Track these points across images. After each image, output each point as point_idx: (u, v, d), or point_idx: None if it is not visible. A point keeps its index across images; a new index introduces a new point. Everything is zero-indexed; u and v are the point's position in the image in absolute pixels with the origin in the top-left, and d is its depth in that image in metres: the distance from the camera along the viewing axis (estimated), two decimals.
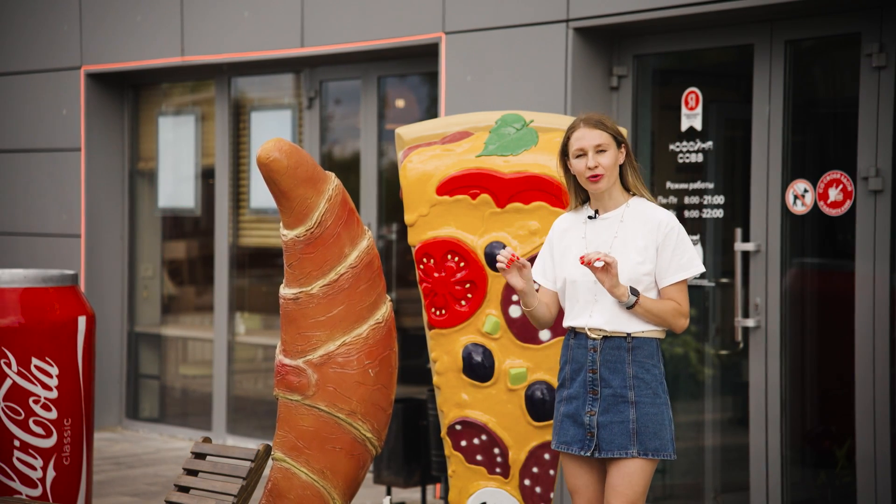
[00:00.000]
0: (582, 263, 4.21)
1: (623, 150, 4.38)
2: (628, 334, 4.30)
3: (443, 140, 5.16)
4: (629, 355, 4.30)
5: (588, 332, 4.33)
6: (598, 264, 4.19)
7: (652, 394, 4.30)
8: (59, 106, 9.24)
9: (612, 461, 4.31)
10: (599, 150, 4.33)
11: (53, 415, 5.70)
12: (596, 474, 4.38)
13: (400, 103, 8.25)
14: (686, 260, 4.33)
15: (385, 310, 4.98)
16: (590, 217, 4.43)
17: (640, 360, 4.30)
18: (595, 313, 4.32)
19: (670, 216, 4.37)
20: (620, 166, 4.40)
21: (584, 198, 4.46)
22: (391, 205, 8.00)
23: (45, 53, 9.31)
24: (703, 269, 4.36)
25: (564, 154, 4.42)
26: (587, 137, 4.34)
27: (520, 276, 4.32)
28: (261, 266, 8.87)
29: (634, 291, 4.27)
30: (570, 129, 4.40)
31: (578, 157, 4.36)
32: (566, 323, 4.42)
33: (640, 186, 4.44)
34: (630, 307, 4.27)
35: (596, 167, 4.32)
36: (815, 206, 6.02)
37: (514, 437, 5.09)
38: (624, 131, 5.08)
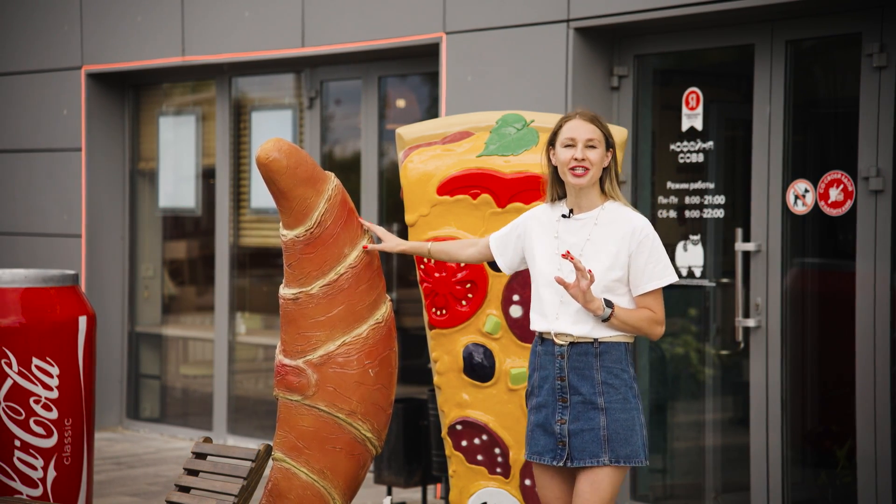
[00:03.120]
0: (564, 257, 4.17)
1: (610, 154, 4.31)
2: (595, 339, 4.22)
3: (443, 140, 5.16)
4: (597, 360, 4.22)
5: (555, 339, 4.26)
6: (570, 279, 4.16)
7: (622, 399, 4.22)
8: (60, 106, 9.24)
9: (582, 470, 4.23)
10: (589, 144, 4.26)
11: (54, 415, 5.70)
12: (568, 484, 4.32)
13: (400, 103, 8.25)
14: (660, 268, 4.25)
15: (385, 310, 4.98)
16: (563, 216, 4.34)
17: (608, 365, 4.23)
18: (561, 315, 4.25)
19: (646, 223, 4.28)
20: (603, 169, 4.32)
21: (560, 194, 4.39)
22: (392, 205, 8.00)
23: (45, 53, 9.31)
24: (676, 279, 4.29)
25: (552, 144, 4.34)
26: (581, 129, 4.27)
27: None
28: (261, 266, 8.87)
29: (609, 304, 4.20)
30: (564, 119, 4.33)
31: (567, 146, 4.28)
32: (533, 326, 4.35)
33: (617, 194, 4.33)
34: (605, 320, 4.20)
35: (583, 160, 4.24)
36: (816, 206, 6.02)
37: (515, 437, 5.09)
38: (624, 132, 5.10)
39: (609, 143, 4.31)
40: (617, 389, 4.22)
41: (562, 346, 4.24)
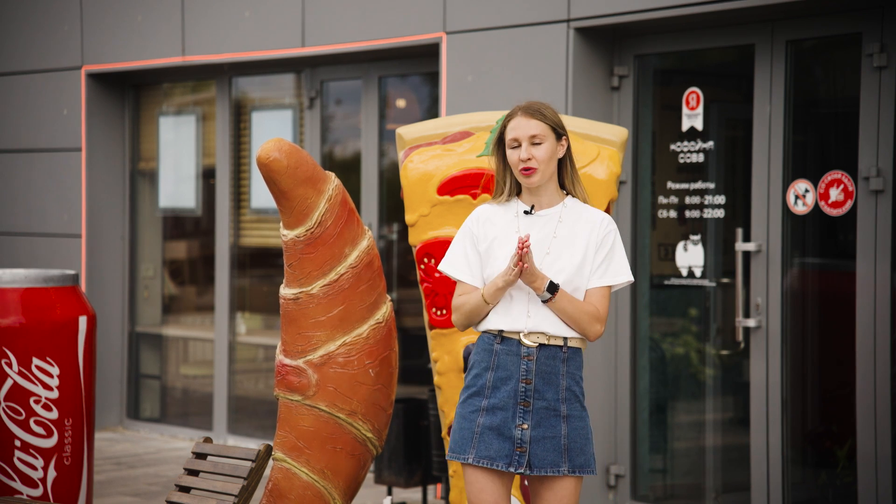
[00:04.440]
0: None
1: (564, 143, 4.13)
2: (565, 340, 4.06)
3: (444, 140, 5.16)
4: (564, 366, 4.06)
5: (522, 339, 4.07)
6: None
7: (580, 407, 4.08)
8: (60, 106, 9.24)
9: (543, 479, 4.09)
10: (534, 141, 4.07)
11: (54, 415, 5.70)
12: (506, 489, 4.11)
13: (401, 103, 8.25)
14: (615, 266, 4.11)
15: (385, 310, 4.98)
16: (526, 212, 4.15)
17: (572, 371, 4.07)
18: (532, 312, 4.07)
19: (610, 219, 4.16)
20: (560, 161, 4.15)
21: (517, 191, 4.19)
22: (392, 205, 8.00)
23: (45, 53, 9.31)
24: (631, 280, 4.14)
25: (501, 144, 4.16)
26: (522, 127, 4.09)
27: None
28: (261, 266, 8.87)
29: (553, 287, 4.00)
30: (508, 117, 4.15)
31: (513, 147, 4.10)
32: (493, 325, 4.11)
33: (577, 186, 4.18)
34: (545, 301, 4.01)
35: (529, 160, 4.07)
36: (816, 205, 6.02)
37: None
38: (625, 132, 5.09)
39: (559, 133, 4.12)
40: (577, 397, 4.08)
41: (530, 347, 4.06)
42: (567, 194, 4.18)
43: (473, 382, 4.12)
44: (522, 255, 3.95)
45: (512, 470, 4.05)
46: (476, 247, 4.17)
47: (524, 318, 4.08)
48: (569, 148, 4.16)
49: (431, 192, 5.07)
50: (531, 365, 4.06)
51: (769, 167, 6.15)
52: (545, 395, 4.05)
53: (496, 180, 4.21)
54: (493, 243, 4.14)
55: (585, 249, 4.09)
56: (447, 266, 4.21)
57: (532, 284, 4.01)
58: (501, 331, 4.10)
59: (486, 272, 4.14)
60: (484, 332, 4.15)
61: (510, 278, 4.01)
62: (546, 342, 4.07)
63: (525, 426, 4.04)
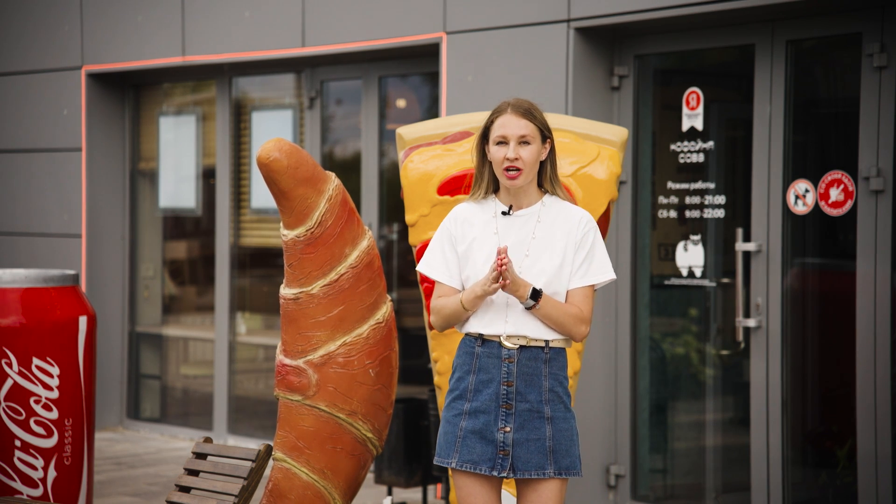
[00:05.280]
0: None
1: (548, 145, 4.06)
2: (546, 342, 4.00)
3: (444, 140, 5.16)
4: (546, 367, 4.00)
5: (503, 341, 4.01)
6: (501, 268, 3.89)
7: (564, 408, 4.01)
8: (60, 106, 9.24)
9: (527, 482, 4.03)
10: (523, 141, 3.99)
11: (54, 415, 5.70)
12: (495, 493, 4.07)
13: (401, 103, 8.25)
14: (597, 265, 4.04)
15: (385, 310, 4.98)
16: (504, 213, 4.07)
17: (554, 372, 4.01)
18: (511, 317, 4.01)
19: (590, 217, 4.09)
20: (541, 162, 4.07)
21: (494, 189, 4.12)
22: (392, 205, 8.00)
23: (45, 53, 9.31)
24: (614, 277, 4.08)
25: (484, 138, 4.07)
26: (512, 125, 4.00)
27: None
28: (262, 266, 8.87)
29: (536, 294, 3.95)
30: (496, 113, 4.05)
31: (499, 144, 4.01)
32: (473, 328, 4.05)
33: (557, 187, 4.09)
34: (528, 308, 3.97)
35: (516, 160, 3.99)
36: (817, 205, 6.02)
37: None
38: (625, 132, 5.09)
39: (545, 136, 4.05)
40: (560, 398, 4.02)
41: (511, 349, 4.00)
42: (545, 192, 4.12)
43: (456, 386, 4.08)
44: (502, 271, 3.90)
45: (495, 474, 4.00)
46: (455, 247, 4.11)
47: (502, 324, 4.03)
48: (552, 150, 4.10)
49: (431, 192, 5.07)
50: (512, 367, 4.00)
51: (769, 167, 6.14)
52: (527, 396, 4.00)
53: (475, 175, 4.15)
54: (472, 245, 4.07)
55: (564, 250, 4.04)
56: (425, 267, 4.16)
57: (515, 294, 3.96)
58: (481, 334, 4.05)
59: (465, 273, 4.09)
60: (465, 334, 4.11)
61: (489, 290, 3.97)
62: (526, 344, 4.02)
63: (507, 429, 3.99)
